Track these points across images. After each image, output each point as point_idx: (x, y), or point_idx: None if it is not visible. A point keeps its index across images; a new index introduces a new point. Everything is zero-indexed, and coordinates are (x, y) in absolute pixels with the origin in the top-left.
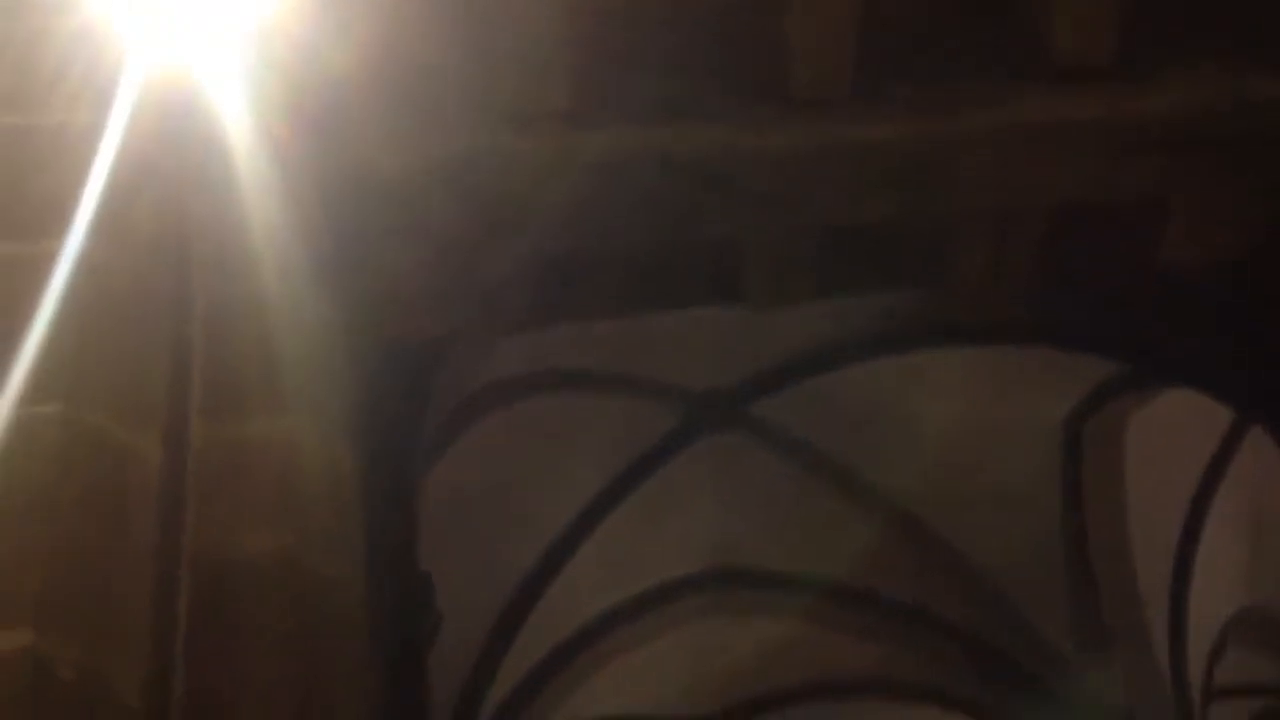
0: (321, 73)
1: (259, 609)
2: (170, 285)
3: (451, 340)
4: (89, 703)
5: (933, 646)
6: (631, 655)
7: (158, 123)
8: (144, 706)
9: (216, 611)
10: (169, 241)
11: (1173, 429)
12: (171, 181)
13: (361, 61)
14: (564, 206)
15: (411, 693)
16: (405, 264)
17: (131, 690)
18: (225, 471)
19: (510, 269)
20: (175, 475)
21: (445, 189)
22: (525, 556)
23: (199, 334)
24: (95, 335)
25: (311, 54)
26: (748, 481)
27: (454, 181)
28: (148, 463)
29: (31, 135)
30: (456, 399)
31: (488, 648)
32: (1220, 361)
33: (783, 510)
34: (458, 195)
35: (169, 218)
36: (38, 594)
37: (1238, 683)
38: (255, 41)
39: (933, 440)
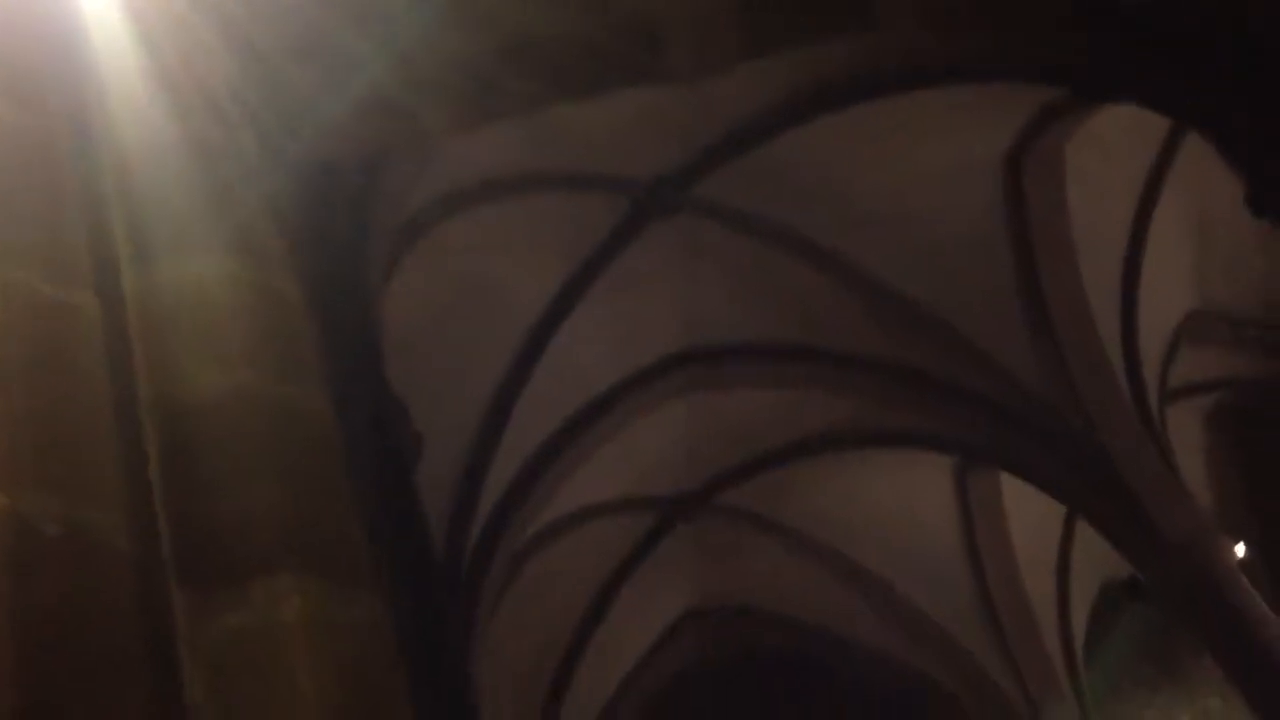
0: None
1: (231, 442)
2: (73, 138)
3: (382, 156)
4: (80, 553)
5: (900, 394)
6: (614, 443)
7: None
8: (135, 549)
9: (187, 450)
10: (65, 95)
11: (1109, 147)
12: (60, 36)
13: None
14: (469, 4)
15: (403, 509)
16: (311, 82)
17: (119, 535)
18: (166, 315)
19: (422, 75)
20: (115, 325)
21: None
22: (496, 364)
23: (111, 183)
24: (5, 196)
25: None
26: (705, 261)
27: None
28: (84, 315)
29: None
30: (403, 215)
31: (472, 458)
32: (1151, 73)
33: (742, 284)
34: (355, 6)
35: (63, 73)
36: (4, 457)
37: (1191, 381)
38: None
39: (878, 195)
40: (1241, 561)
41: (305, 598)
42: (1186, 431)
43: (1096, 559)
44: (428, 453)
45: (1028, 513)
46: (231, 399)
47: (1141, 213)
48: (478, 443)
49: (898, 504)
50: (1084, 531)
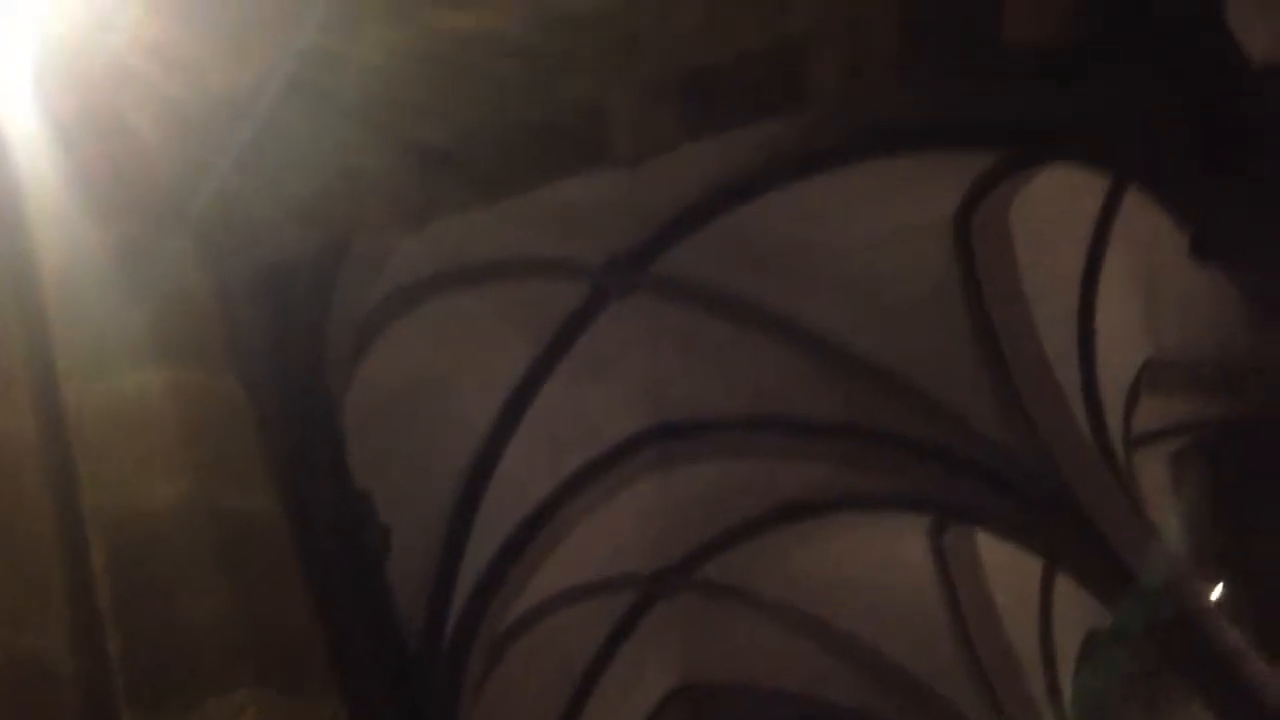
0: (109, 34)
1: (178, 555)
2: (7, 250)
3: (333, 253)
4: (23, 682)
5: (869, 457)
6: (588, 523)
7: None
8: (82, 673)
9: (134, 565)
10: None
11: (1053, 204)
12: None
13: (152, 18)
14: (418, 93)
15: (373, 605)
16: (260, 184)
17: (64, 660)
18: (108, 428)
19: (370, 170)
20: (56, 441)
21: (286, 100)
22: (463, 453)
23: (50, 297)
24: None
25: (97, 19)
26: (667, 337)
27: (301, 86)
28: (21, 440)
29: None
30: (364, 309)
31: (444, 549)
32: (1087, 129)
33: (705, 357)
34: (307, 99)
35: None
36: None
37: (1155, 427)
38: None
39: (833, 262)
40: (1219, 601)
41: (262, 712)
42: (1155, 477)
43: (1079, 609)
44: (398, 545)
45: (1007, 566)
46: (177, 510)
47: (1090, 266)
48: (449, 532)
49: (876, 567)
50: (1065, 582)
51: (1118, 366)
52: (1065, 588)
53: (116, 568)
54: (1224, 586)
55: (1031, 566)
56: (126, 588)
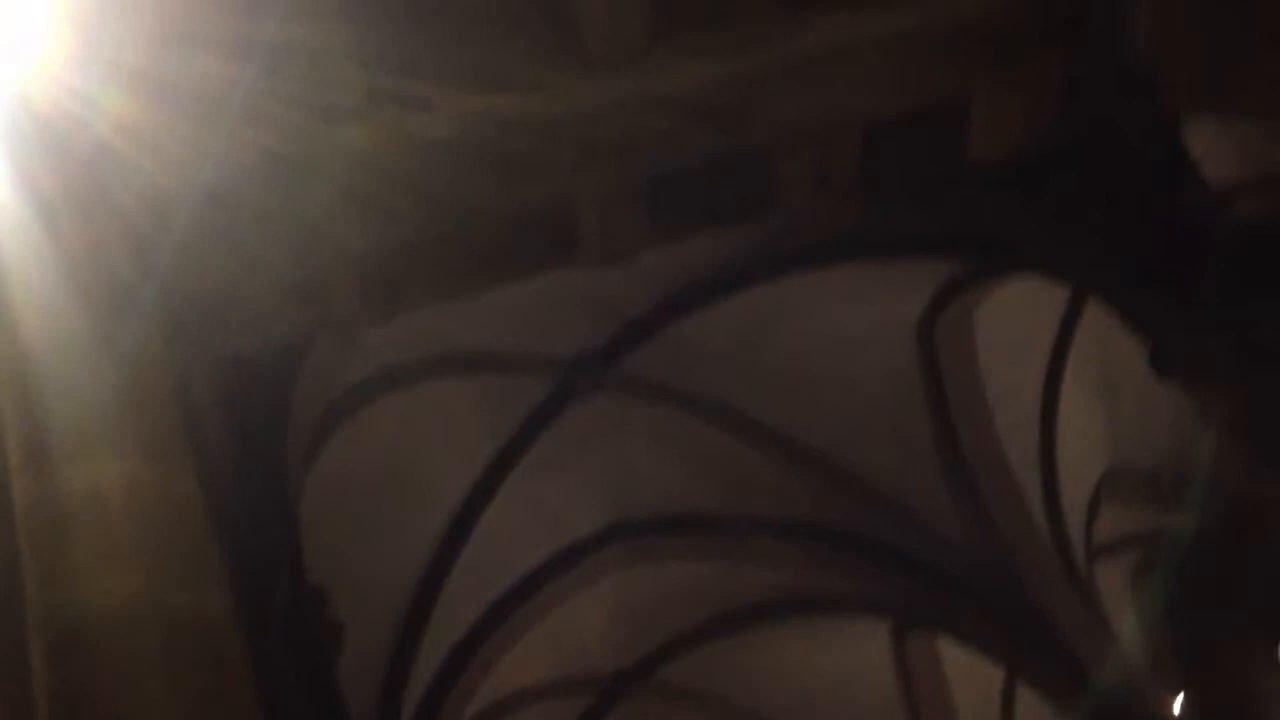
0: (90, 117)
1: (125, 656)
2: None
3: (299, 346)
4: None
5: (831, 559)
6: (545, 623)
7: None
8: None
9: (79, 668)
10: None
11: (1017, 312)
12: None
13: (136, 99)
14: (383, 194)
15: (325, 703)
16: (225, 278)
17: None
18: (60, 523)
19: (338, 265)
20: (4, 539)
21: (260, 190)
22: (420, 547)
23: (6, 393)
24: None
25: (76, 98)
26: (629, 435)
27: (260, 184)
28: None
29: None
30: (326, 400)
31: (399, 645)
32: (1049, 242)
33: (667, 456)
34: (272, 198)
35: None
36: None
37: (1114, 537)
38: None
39: (797, 363)
40: (1179, 713)
41: None
42: (1115, 587)
43: (1041, 717)
44: (351, 641)
45: (969, 672)
46: (125, 610)
47: (1052, 374)
48: (404, 629)
49: (837, 671)
50: (1026, 690)
51: (1079, 475)
52: (1027, 696)
53: (58, 679)
54: (1184, 698)
55: (993, 673)
56: (70, 690)
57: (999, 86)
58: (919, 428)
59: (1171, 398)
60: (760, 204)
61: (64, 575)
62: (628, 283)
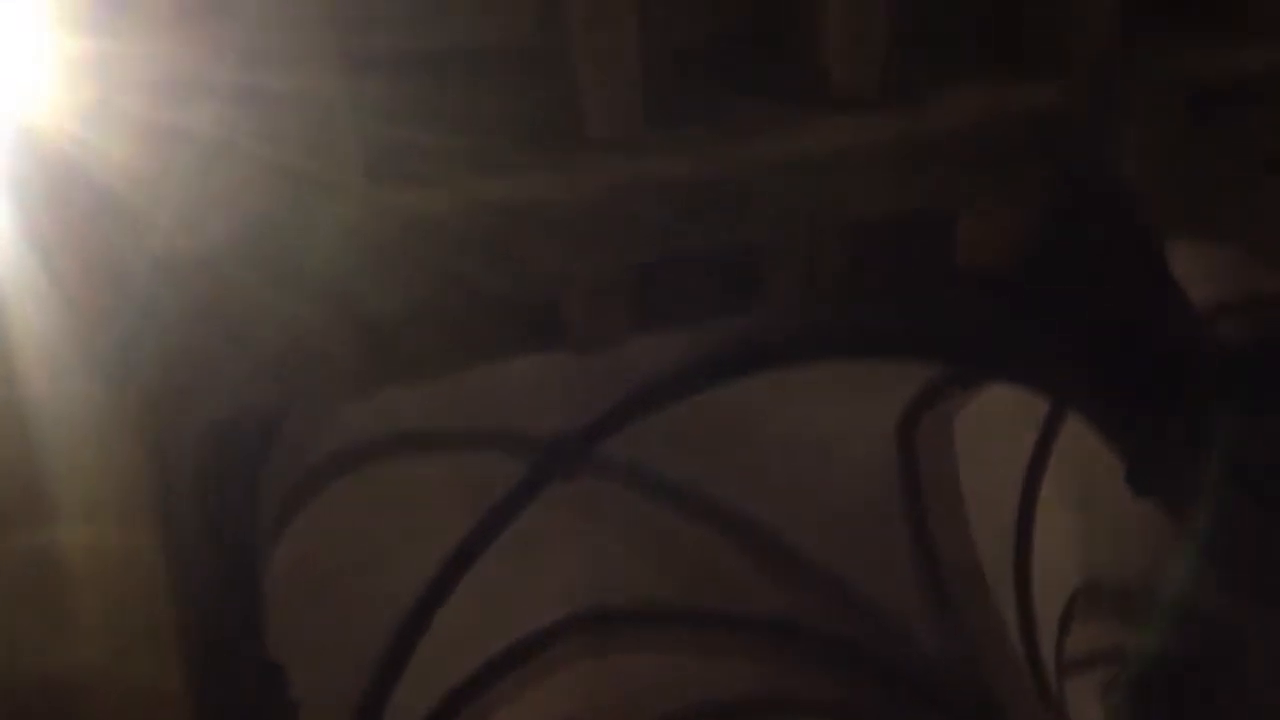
0: (91, 165)
1: None
2: None
3: (279, 416)
4: None
5: (801, 658)
6: (509, 710)
7: None
8: None
9: None
10: None
11: (998, 420)
12: None
13: (136, 148)
14: (370, 268)
15: None
16: (209, 344)
17: None
18: (23, 584)
19: (322, 338)
20: None
21: (247, 262)
22: (383, 627)
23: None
24: None
25: (79, 145)
26: (604, 522)
27: (251, 253)
28: None
29: None
30: (297, 473)
31: None
32: (1030, 354)
33: (642, 545)
34: (255, 267)
35: None
36: None
37: (1085, 654)
38: (16, 135)
39: (774, 458)
40: None
41: None
42: (1085, 703)
43: None
44: None
45: None
46: (76, 681)
47: (1029, 484)
48: (361, 712)
49: None
50: None
51: (1053, 588)
52: None
53: None
54: None
55: None
56: None
57: (986, 195)
58: (895, 531)
59: (1148, 515)
60: (746, 298)
61: (16, 640)
62: (606, 369)
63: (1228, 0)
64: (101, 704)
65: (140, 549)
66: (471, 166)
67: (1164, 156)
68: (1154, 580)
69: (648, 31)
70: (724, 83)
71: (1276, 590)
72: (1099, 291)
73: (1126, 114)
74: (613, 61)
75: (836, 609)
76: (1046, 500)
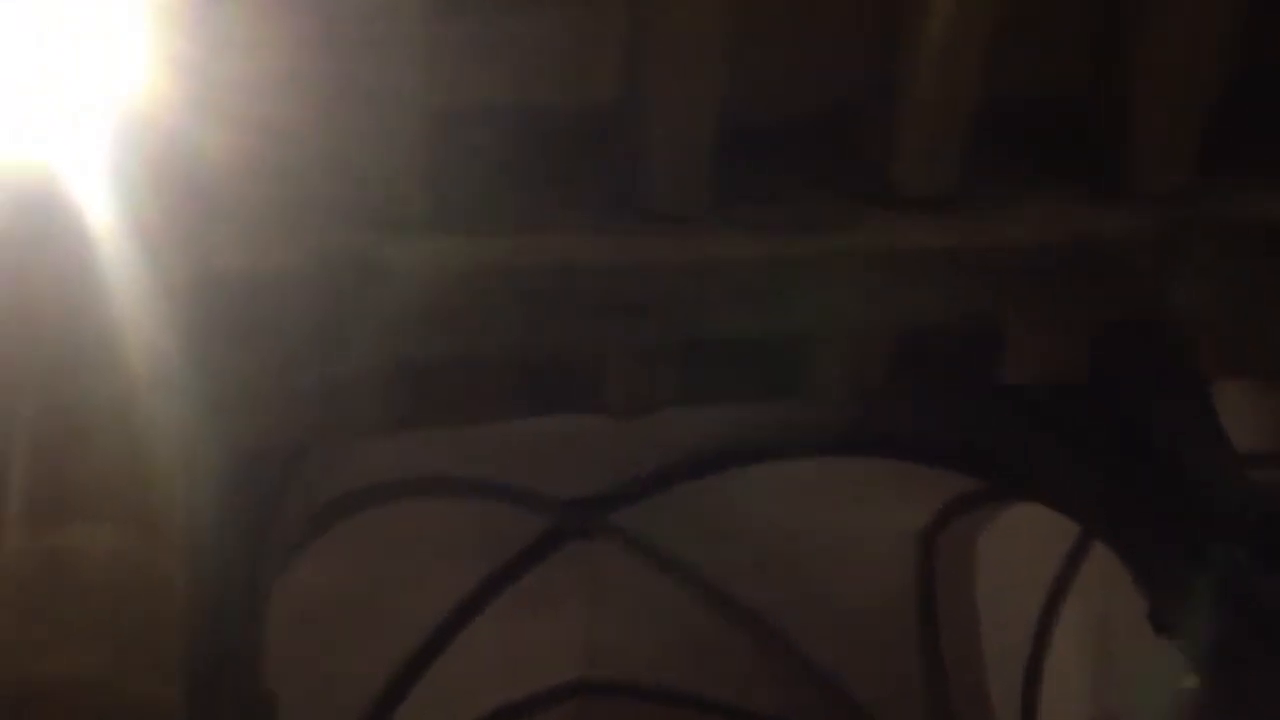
0: (182, 163)
1: None
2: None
3: (305, 447)
4: None
5: None
6: None
7: (13, 218)
8: None
9: None
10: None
11: (1022, 541)
12: (22, 276)
13: (224, 153)
14: (422, 312)
15: None
16: (255, 367)
17: None
18: (39, 584)
19: (365, 374)
20: None
21: (300, 291)
22: (377, 672)
23: (22, 436)
24: None
25: (179, 139)
26: (612, 590)
27: (309, 284)
28: None
29: None
30: (314, 504)
31: None
32: (1066, 478)
33: (645, 620)
34: (312, 298)
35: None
36: None
37: None
38: (117, 128)
39: (792, 550)
40: None
41: None
42: None
43: None
44: None
45: None
46: (76, 688)
47: (1047, 611)
48: None
49: None
50: None
51: (1060, 718)
52: None
53: None
54: None
55: None
56: None
57: (1039, 313)
58: (905, 641)
59: (1167, 659)
60: (788, 387)
61: (31, 636)
62: (637, 437)
63: None
64: (94, 713)
65: (159, 559)
66: (533, 223)
67: (1224, 296)
68: None
69: (724, 112)
70: (793, 169)
71: None
72: (1142, 423)
73: (1191, 250)
74: (685, 137)
75: (832, 710)
76: (1063, 628)
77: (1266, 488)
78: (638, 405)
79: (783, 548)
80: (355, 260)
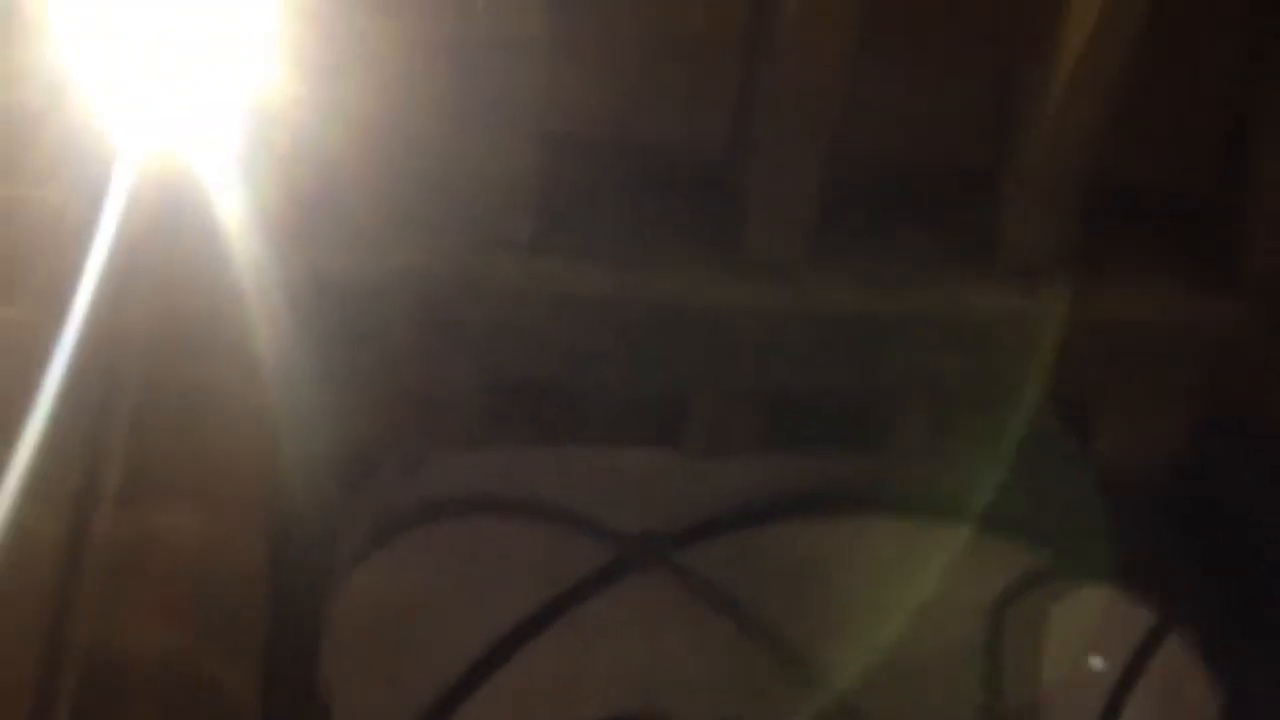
0: (305, 162)
1: (144, 709)
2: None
3: (387, 453)
4: None
5: None
6: None
7: (151, 213)
8: None
9: (101, 711)
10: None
11: (1096, 622)
12: (157, 271)
13: (344, 155)
14: (517, 333)
15: None
16: (351, 371)
17: None
18: (131, 562)
19: (456, 388)
20: (73, 561)
21: (399, 300)
22: (433, 685)
23: (124, 420)
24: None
25: (300, 143)
26: (671, 629)
27: (408, 294)
28: (42, 542)
29: (31, 208)
30: (383, 514)
31: None
32: (1146, 564)
33: (704, 662)
34: (410, 309)
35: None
36: None
37: None
38: (248, 126)
39: (859, 608)
40: None
41: None
42: None
43: None
44: None
45: None
46: (160, 666)
47: (1113, 703)
48: None
49: None
50: None
51: None
52: None
53: (81, 708)
54: None
55: None
56: None
57: (1132, 395)
58: (966, 713)
59: None
60: (873, 441)
61: (118, 612)
62: (711, 476)
63: None
64: (175, 695)
65: (247, 550)
66: (631, 257)
67: None
68: None
69: (833, 164)
70: (899, 227)
71: None
72: (1231, 515)
73: None
74: (790, 188)
75: None
76: (1129, 716)
77: None
78: (717, 447)
79: (849, 602)
80: (454, 275)
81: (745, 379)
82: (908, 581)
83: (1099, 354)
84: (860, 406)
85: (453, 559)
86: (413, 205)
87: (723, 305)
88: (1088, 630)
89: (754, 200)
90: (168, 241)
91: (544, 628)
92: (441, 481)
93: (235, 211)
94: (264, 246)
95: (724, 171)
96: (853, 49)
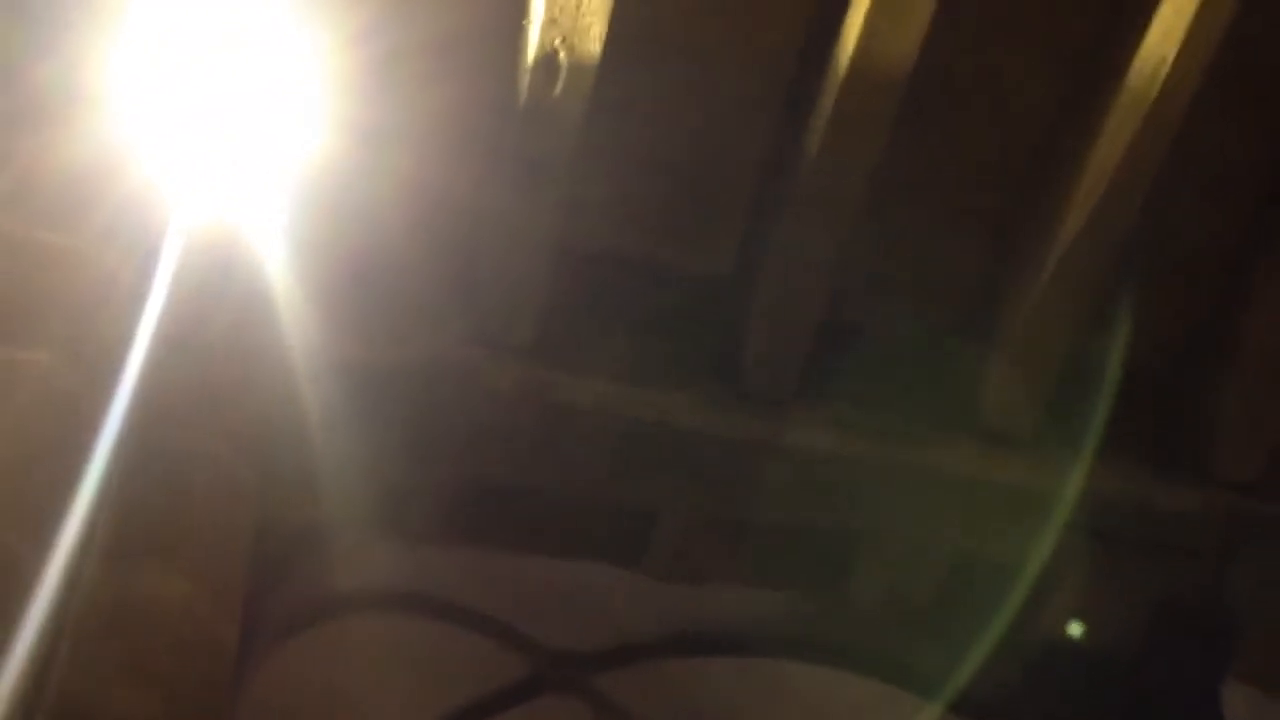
0: (339, 246)
1: None
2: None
3: (327, 536)
4: None
5: None
6: None
7: (200, 280)
8: None
9: None
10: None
11: None
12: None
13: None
14: (503, 435)
15: None
16: (317, 454)
17: None
18: (113, 624)
19: (426, 482)
20: (59, 613)
21: (401, 391)
22: None
23: (119, 477)
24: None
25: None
26: None
27: (410, 384)
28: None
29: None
30: (312, 599)
31: None
32: None
33: None
34: (411, 401)
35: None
36: None
37: None
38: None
39: None
40: None
41: None
42: None
43: None
44: None
45: None
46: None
47: None
48: None
49: None
50: None
51: None
52: None
53: None
54: None
55: None
56: None
57: (1091, 571)
58: None
59: None
60: (829, 585)
61: (94, 669)
62: (661, 600)
63: None
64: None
65: (221, 626)
66: (632, 375)
67: (1270, 604)
68: None
69: (833, 304)
70: (890, 375)
71: None
72: (1161, 700)
73: (1245, 555)
74: (786, 322)
75: None
76: None
77: None
78: (677, 571)
79: None
80: (455, 372)
81: (719, 507)
82: None
83: (1065, 526)
84: (826, 549)
85: (363, 656)
86: (420, 297)
87: (709, 431)
88: None
89: (749, 331)
90: (213, 308)
91: None
92: (375, 573)
93: (276, 281)
94: (295, 319)
95: (728, 299)
96: (863, 216)
